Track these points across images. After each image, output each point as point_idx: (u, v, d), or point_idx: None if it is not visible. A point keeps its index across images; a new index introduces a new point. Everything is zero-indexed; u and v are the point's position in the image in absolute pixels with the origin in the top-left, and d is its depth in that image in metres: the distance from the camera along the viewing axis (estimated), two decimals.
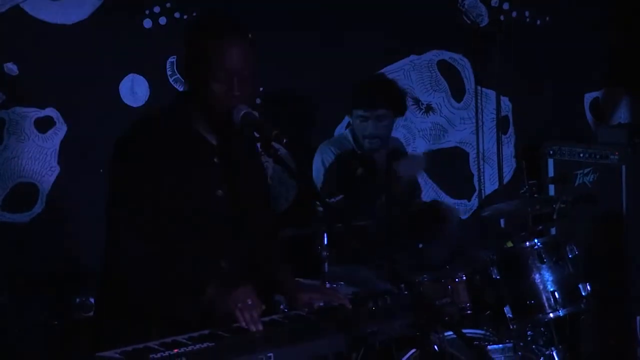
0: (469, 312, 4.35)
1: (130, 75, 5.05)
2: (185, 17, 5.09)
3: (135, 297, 3.09)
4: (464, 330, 3.69)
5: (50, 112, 4.92)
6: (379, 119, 4.94)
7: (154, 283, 3.07)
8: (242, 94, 3.15)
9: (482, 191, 6.07)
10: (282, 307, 3.61)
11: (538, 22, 6.16)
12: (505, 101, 6.10)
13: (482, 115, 6.04)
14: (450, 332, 3.34)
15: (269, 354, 2.78)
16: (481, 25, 5.97)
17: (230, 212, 3.24)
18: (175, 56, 5.04)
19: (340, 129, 5.52)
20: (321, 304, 3.16)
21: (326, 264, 4.26)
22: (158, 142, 3.13)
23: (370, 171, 5.04)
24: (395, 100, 4.99)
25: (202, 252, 3.16)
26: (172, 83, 5.12)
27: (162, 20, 5.08)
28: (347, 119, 5.25)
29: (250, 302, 2.97)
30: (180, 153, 3.15)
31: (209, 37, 3.17)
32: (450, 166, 5.99)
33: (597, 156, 5.75)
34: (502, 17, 6.04)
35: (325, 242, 4.27)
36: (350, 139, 5.04)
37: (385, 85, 5.03)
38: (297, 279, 3.44)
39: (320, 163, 5.01)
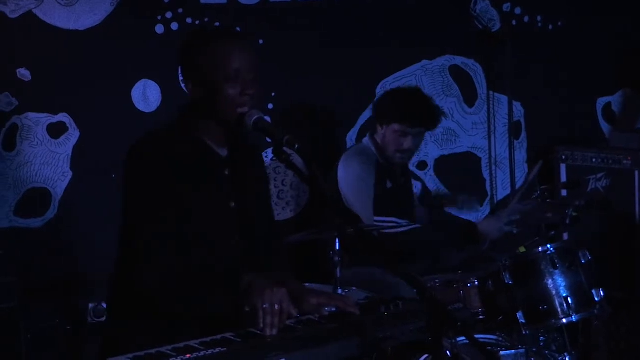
0: (481, 317, 4.34)
1: (143, 81, 5.06)
2: (197, 22, 5.10)
3: (167, 305, 3.05)
4: (477, 336, 3.68)
5: (62, 117, 4.93)
6: (419, 135, 4.92)
7: (188, 289, 3.05)
8: (254, 95, 3.16)
9: (495, 196, 6.06)
10: None
11: (550, 26, 6.15)
12: (517, 106, 6.09)
13: (494, 120, 6.03)
14: (463, 338, 3.34)
15: (281, 359, 2.78)
16: (493, 30, 5.96)
17: (242, 223, 3.25)
18: None
19: (352, 135, 5.52)
20: (333, 309, 3.16)
21: (338, 269, 4.26)
22: (171, 158, 3.11)
23: (397, 183, 5.01)
24: (436, 122, 4.98)
25: (217, 264, 3.15)
26: (184, 88, 5.11)
27: (174, 26, 5.09)
28: (358, 125, 5.22)
29: (277, 307, 2.95)
30: (192, 167, 3.14)
31: (215, 42, 3.19)
32: (463, 171, 5.98)
33: (610, 161, 5.74)
34: (514, 22, 6.04)
35: (338, 247, 4.26)
36: (374, 149, 4.92)
37: (429, 104, 4.95)
38: (304, 284, 3.43)
39: (359, 179, 4.83)
